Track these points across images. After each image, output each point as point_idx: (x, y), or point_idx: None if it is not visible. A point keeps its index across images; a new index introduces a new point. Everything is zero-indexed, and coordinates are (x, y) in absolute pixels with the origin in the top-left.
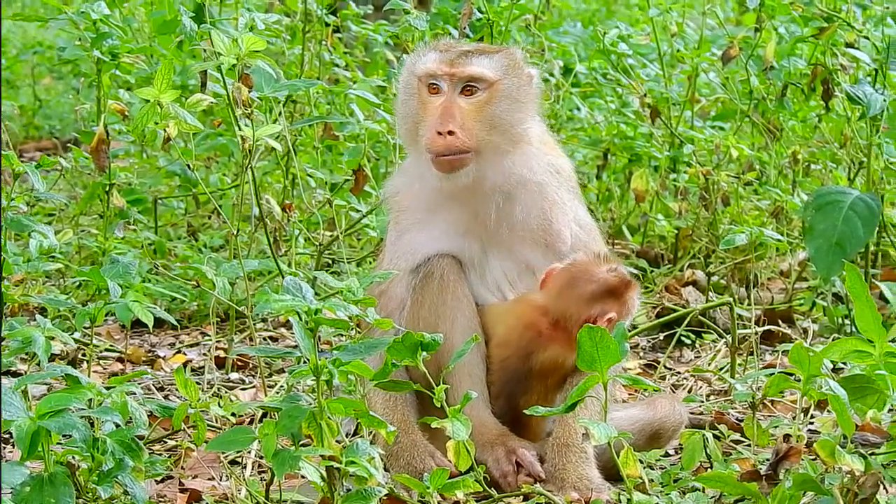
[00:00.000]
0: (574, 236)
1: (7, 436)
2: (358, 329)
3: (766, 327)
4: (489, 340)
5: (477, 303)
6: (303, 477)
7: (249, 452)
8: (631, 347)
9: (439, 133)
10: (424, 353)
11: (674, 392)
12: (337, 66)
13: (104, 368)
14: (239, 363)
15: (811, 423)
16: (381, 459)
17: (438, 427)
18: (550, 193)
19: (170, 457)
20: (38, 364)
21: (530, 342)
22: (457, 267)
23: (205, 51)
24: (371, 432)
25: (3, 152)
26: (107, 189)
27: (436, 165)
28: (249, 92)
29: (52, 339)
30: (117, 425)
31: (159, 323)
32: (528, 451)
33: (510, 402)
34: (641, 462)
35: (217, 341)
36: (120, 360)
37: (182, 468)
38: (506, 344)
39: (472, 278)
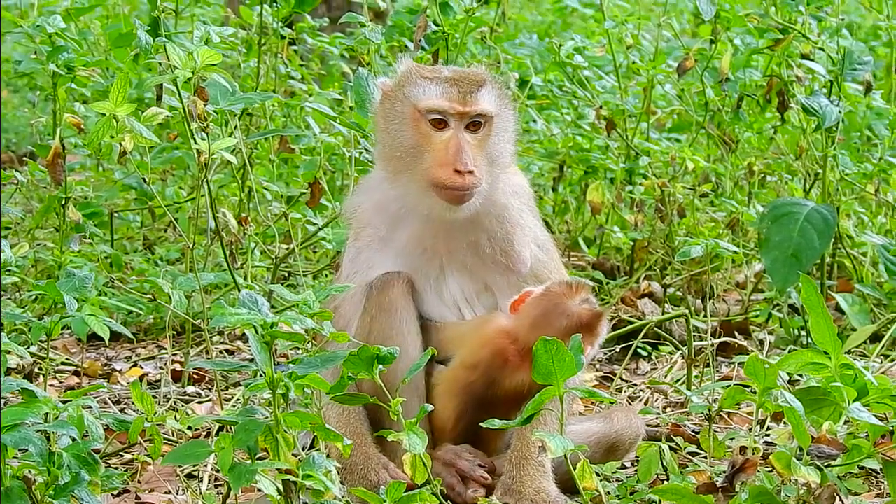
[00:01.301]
0: (533, 257)
1: None
2: (314, 342)
3: (723, 339)
4: (447, 359)
5: (433, 320)
6: (259, 490)
7: (206, 466)
8: None
9: (458, 171)
10: (381, 366)
11: (630, 404)
12: (293, 78)
13: (60, 382)
14: (195, 376)
15: (767, 436)
16: (338, 472)
17: (394, 440)
18: (514, 216)
19: (126, 470)
20: None
21: (497, 368)
22: (408, 294)
23: (160, 64)
24: (327, 445)
25: None
26: (63, 202)
27: (446, 197)
28: (205, 105)
29: (9, 352)
30: (73, 439)
31: (115, 336)
32: (464, 460)
33: (472, 425)
34: (598, 475)
35: (173, 355)
36: (76, 373)
37: (138, 482)
38: (472, 367)
39: (429, 296)
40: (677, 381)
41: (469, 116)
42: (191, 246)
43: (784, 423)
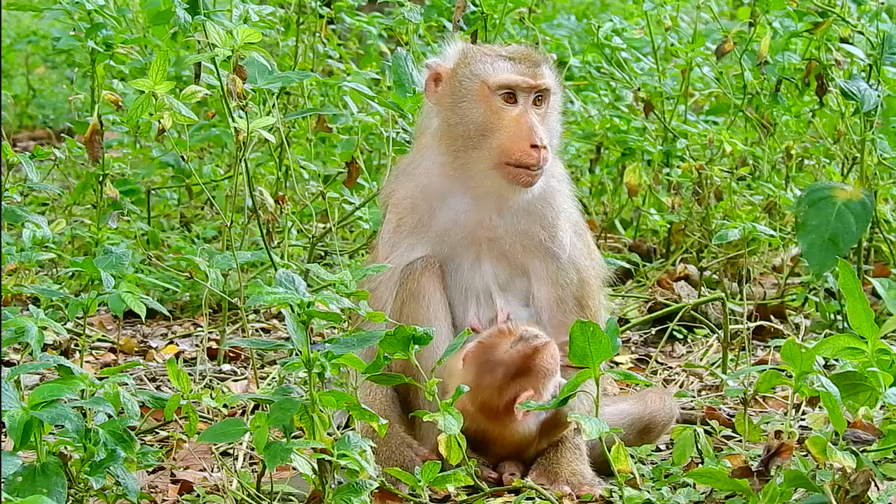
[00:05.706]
0: (571, 243)
1: None
2: (349, 322)
3: (758, 323)
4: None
5: (454, 314)
6: (294, 469)
7: (241, 444)
8: (622, 342)
9: (534, 146)
10: (416, 346)
11: (665, 387)
12: (331, 57)
13: (96, 359)
14: (231, 354)
15: (803, 420)
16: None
17: (429, 420)
18: (558, 201)
19: (161, 448)
20: (31, 354)
21: (487, 426)
22: (438, 281)
23: (199, 42)
24: (362, 425)
25: None
26: (100, 179)
27: (514, 177)
28: (244, 83)
29: (45, 328)
30: (109, 416)
31: (152, 314)
32: None
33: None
34: (632, 457)
35: (209, 332)
36: (112, 350)
37: (174, 459)
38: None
39: (460, 283)
40: (713, 364)
41: (537, 90)
42: (228, 224)
43: (820, 407)
